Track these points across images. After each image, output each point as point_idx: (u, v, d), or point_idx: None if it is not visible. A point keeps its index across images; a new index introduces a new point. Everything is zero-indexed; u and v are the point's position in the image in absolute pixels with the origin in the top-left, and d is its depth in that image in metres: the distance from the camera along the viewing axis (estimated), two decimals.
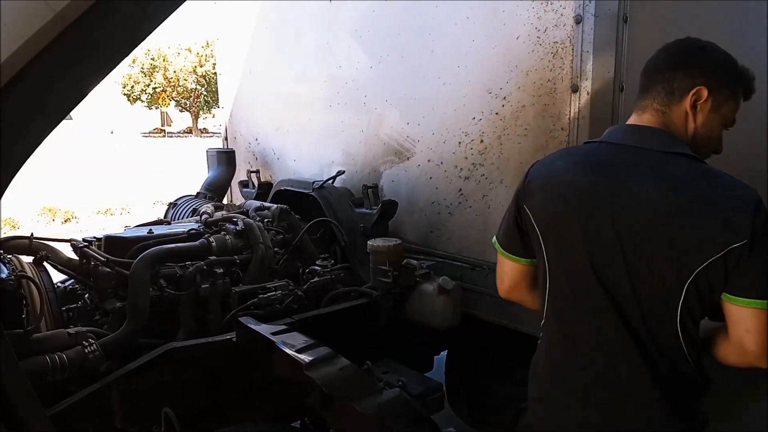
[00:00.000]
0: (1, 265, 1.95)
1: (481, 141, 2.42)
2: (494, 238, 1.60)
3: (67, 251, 2.31)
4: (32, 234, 2.23)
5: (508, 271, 1.58)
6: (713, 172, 1.27)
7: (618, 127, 1.45)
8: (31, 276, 1.96)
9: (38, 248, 2.19)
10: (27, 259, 2.16)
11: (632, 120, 1.43)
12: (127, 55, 1.26)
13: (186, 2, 1.30)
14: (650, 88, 1.40)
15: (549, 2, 2.10)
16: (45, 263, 2.17)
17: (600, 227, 1.29)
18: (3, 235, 2.25)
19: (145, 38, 1.25)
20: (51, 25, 1.06)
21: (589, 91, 2.04)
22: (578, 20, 2.02)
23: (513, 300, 1.67)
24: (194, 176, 4.19)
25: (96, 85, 1.24)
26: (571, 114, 2.09)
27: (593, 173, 1.33)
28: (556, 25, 2.10)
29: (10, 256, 2.07)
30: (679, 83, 1.35)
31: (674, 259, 1.21)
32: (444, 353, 3.12)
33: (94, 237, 2.37)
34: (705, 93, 1.34)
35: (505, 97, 2.30)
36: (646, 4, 2.09)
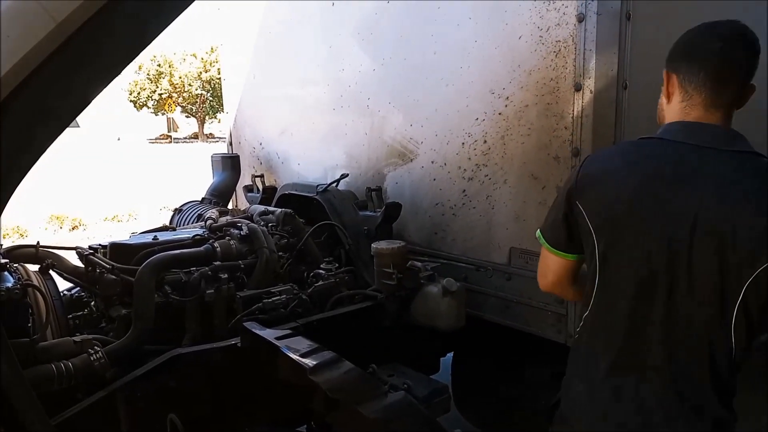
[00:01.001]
0: (7, 274, 1.95)
1: (485, 141, 2.41)
2: (538, 232, 1.56)
3: (73, 259, 2.31)
4: (38, 242, 2.24)
5: (552, 266, 1.54)
6: None
7: (676, 124, 1.38)
8: (37, 285, 1.96)
9: (44, 256, 2.20)
10: (33, 267, 2.17)
11: (701, 116, 1.35)
12: (129, 62, 1.26)
13: (190, 8, 1.31)
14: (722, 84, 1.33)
15: (551, 1, 2.10)
16: (51, 271, 2.18)
17: (656, 228, 1.27)
18: (10, 244, 2.25)
19: (147, 45, 1.26)
20: (53, 35, 1.07)
21: (593, 90, 2.03)
22: (581, 19, 2.01)
23: (555, 293, 1.69)
24: (200, 181, 4.21)
25: (99, 92, 1.24)
26: (575, 113, 2.08)
27: (651, 172, 1.30)
28: (558, 24, 2.09)
29: (16, 265, 2.08)
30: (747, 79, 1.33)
31: (731, 263, 1.20)
32: (450, 355, 3.10)
33: (100, 244, 2.38)
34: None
35: (507, 97, 2.29)
36: (649, 1, 2.08)
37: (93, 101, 1.25)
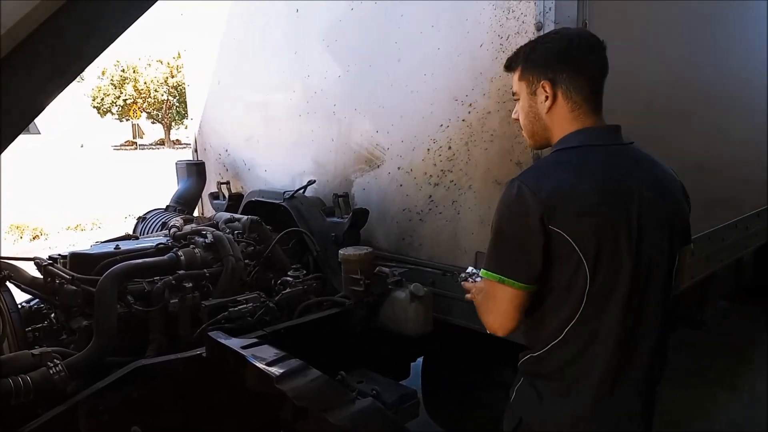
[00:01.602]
0: None
1: (449, 147, 2.45)
2: (491, 273, 1.40)
3: (32, 270, 2.25)
4: None
5: (514, 301, 1.40)
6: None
7: (586, 131, 1.44)
8: None
9: (0, 268, 2.14)
10: None
11: (594, 122, 1.46)
12: (84, 68, 1.24)
13: (155, 13, 1.29)
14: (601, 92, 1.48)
15: (511, 10, 2.14)
16: (8, 283, 2.12)
17: (635, 226, 1.37)
18: None
19: (103, 50, 1.24)
20: (4, 41, 1.05)
21: None
22: (539, 27, 2.06)
23: (507, 332, 1.49)
24: (166, 189, 4.14)
25: (53, 98, 1.22)
26: None
27: (608, 179, 1.38)
28: (518, 32, 2.14)
29: None
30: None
31: (675, 246, 1.45)
32: (420, 360, 3.12)
33: (59, 254, 2.32)
34: None
35: (471, 104, 2.33)
36: (605, 7, 2.14)
37: (48, 106, 1.23)
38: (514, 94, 1.57)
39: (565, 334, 1.40)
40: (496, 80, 2.21)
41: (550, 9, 2.02)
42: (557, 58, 1.44)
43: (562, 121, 1.46)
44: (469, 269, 1.78)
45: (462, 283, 1.75)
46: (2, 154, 1.13)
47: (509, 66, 1.56)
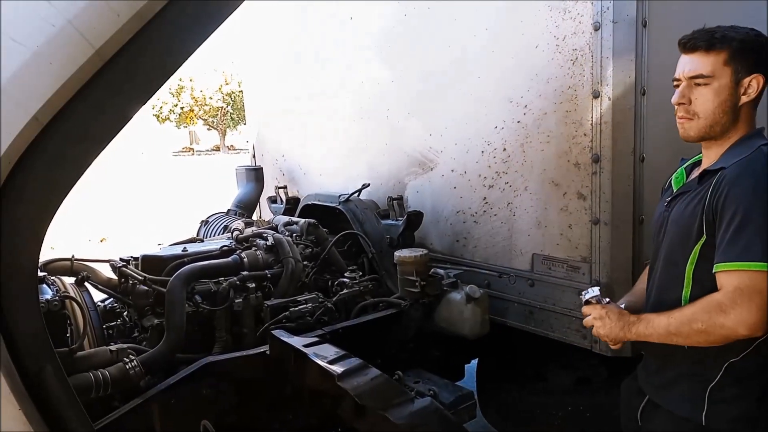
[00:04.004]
0: (45, 286, 2.04)
1: (504, 149, 2.44)
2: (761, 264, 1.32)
3: (106, 271, 2.39)
4: (73, 256, 2.32)
5: None
6: None
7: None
8: (74, 296, 2.04)
9: (79, 269, 2.29)
10: (69, 279, 2.25)
11: None
12: (163, 83, 1.33)
13: (221, 24, 1.37)
14: None
15: (567, 11, 2.12)
16: (86, 283, 2.26)
17: None
18: (44, 258, 2.34)
19: (180, 66, 1.32)
20: (93, 61, 1.14)
21: (611, 97, 2.05)
22: (596, 27, 2.04)
23: None
24: (224, 193, 4.30)
25: (136, 112, 1.31)
26: (594, 119, 2.10)
27: None
28: (574, 33, 2.12)
29: (53, 277, 2.16)
30: None
31: None
32: (475, 362, 3.12)
33: (131, 256, 2.45)
34: None
35: (526, 105, 2.32)
36: (665, 6, 2.09)
37: (131, 119, 1.32)
38: (696, 77, 1.49)
39: None
40: (553, 81, 2.20)
41: (608, 9, 1.99)
42: None
43: (748, 117, 1.51)
44: (591, 291, 1.66)
45: (583, 307, 1.67)
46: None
47: (710, 45, 1.47)
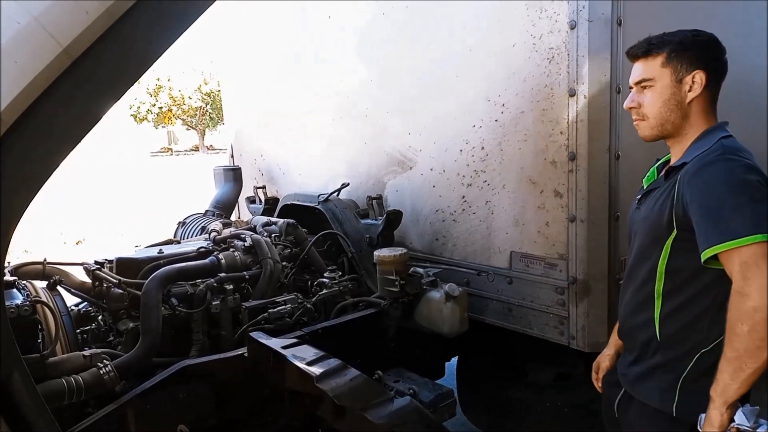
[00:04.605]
0: (16, 291, 1.99)
1: (482, 148, 2.45)
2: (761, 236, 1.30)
3: (80, 274, 2.35)
4: (45, 259, 2.27)
5: None
6: None
7: (726, 125, 1.58)
8: (46, 301, 1.99)
9: (51, 273, 2.24)
10: (40, 284, 2.20)
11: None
12: (134, 81, 1.30)
13: (194, 23, 1.35)
14: None
15: (543, 9, 2.13)
16: (59, 287, 2.21)
17: None
18: (16, 261, 2.29)
19: (152, 64, 1.30)
20: (60, 59, 1.11)
21: (587, 95, 2.07)
22: (572, 26, 2.05)
23: None
24: (203, 193, 4.25)
25: (106, 111, 1.28)
26: (570, 118, 2.12)
27: None
28: (551, 32, 2.13)
29: (24, 282, 2.11)
30: None
31: None
32: (455, 359, 3.13)
33: (106, 259, 2.41)
34: None
35: (503, 104, 2.33)
36: (639, 5, 2.11)
37: (101, 118, 1.30)
38: (640, 82, 1.59)
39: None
40: (530, 79, 2.21)
41: (583, 8, 2.01)
42: (711, 53, 1.54)
43: (701, 113, 1.55)
44: (743, 418, 1.33)
45: None
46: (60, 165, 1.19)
47: (647, 51, 1.58)
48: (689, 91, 1.53)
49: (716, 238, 1.35)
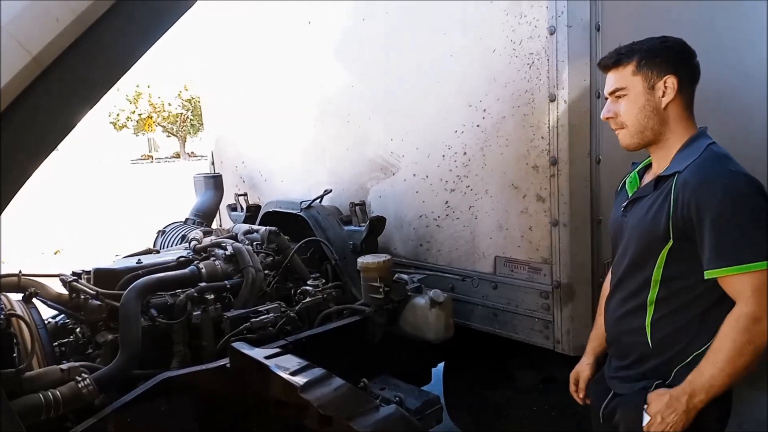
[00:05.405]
0: None
1: (465, 153, 2.45)
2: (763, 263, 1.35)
3: (57, 286, 2.29)
4: (20, 271, 2.22)
5: None
6: None
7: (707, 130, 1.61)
8: (21, 314, 1.94)
9: (27, 285, 2.18)
10: (16, 296, 2.14)
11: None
12: (109, 89, 1.27)
13: (170, 28, 1.32)
14: None
15: (523, 15, 2.14)
16: (35, 299, 2.16)
17: None
18: None
19: (127, 71, 1.27)
20: (30, 68, 1.08)
21: (567, 100, 2.08)
22: (552, 31, 2.06)
23: None
24: (185, 201, 4.20)
25: (81, 118, 1.25)
26: (550, 123, 2.12)
27: None
28: (530, 37, 2.14)
29: None
30: None
31: None
32: (441, 365, 3.12)
33: (83, 270, 2.36)
34: None
35: (485, 110, 2.34)
36: (617, 10, 2.14)
37: (75, 127, 1.26)
38: (614, 92, 1.60)
39: None
40: (510, 85, 2.22)
41: (562, 13, 2.02)
42: (680, 57, 1.55)
43: (679, 118, 1.56)
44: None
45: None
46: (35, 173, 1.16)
47: (617, 61, 1.59)
48: (663, 96, 1.54)
49: (727, 260, 1.38)
